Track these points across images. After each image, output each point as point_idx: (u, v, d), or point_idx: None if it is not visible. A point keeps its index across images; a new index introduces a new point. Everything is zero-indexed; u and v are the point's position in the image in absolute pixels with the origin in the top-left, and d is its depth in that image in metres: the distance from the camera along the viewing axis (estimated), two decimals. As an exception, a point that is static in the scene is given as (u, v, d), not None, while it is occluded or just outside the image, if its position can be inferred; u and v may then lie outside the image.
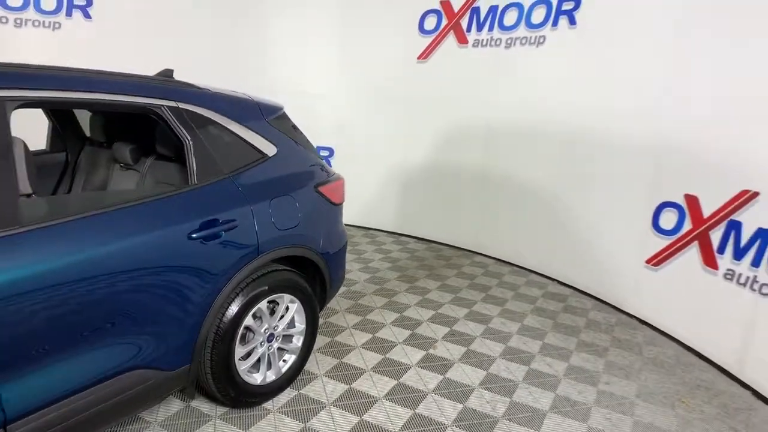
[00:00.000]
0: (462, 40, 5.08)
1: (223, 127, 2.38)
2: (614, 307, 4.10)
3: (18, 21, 5.31)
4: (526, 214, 4.81)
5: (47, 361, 1.72)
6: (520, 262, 4.96)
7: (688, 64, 3.45)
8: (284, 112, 2.81)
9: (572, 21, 4.24)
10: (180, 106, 2.20)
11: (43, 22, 5.41)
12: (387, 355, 3.17)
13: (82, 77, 1.93)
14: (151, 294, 1.98)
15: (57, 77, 1.86)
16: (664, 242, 3.69)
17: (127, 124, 2.78)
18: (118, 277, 1.85)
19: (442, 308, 3.93)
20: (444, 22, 5.17)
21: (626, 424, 2.64)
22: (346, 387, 2.81)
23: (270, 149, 2.57)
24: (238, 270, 2.29)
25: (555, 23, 4.37)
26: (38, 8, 5.36)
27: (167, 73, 2.54)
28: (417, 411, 2.64)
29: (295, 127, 2.87)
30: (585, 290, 4.37)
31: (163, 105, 2.15)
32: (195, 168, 2.21)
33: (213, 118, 2.33)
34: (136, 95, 2.06)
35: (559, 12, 4.32)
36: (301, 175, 2.72)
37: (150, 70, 2.49)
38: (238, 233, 2.28)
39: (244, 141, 2.46)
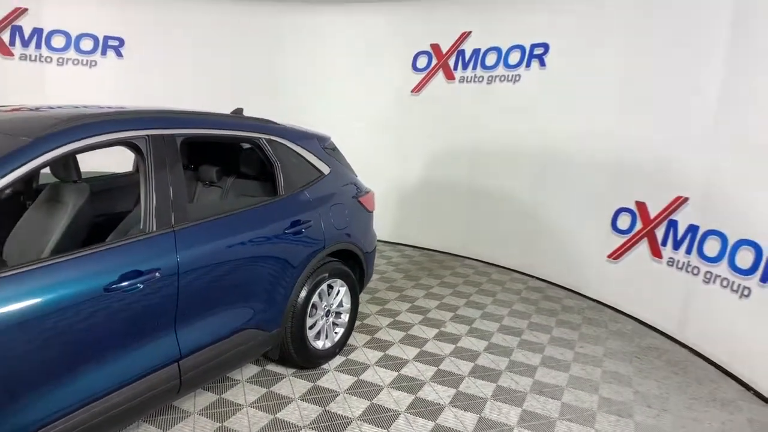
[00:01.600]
0: (450, 76, 6.03)
1: (297, 153, 3.19)
2: (583, 295, 5.01)
3: (60, 60, 6.00)
4: (506, 221, 5.71)
5: (206, 316, 2.48)
6: (503, 263, 5.84)
7: (634, 96, 4.43)
8: (331, 141, 3.63)
9: (542, 63, 5.23)
10: (272, 138, 3.02)
11: (82, 60, 6.11)
12: (408, 332, 3.98)
13: (218, 120, 2.74)
14: (262, 273, 2.76)
15: (204, 120, 2.66)
16: (621, 240, 4.63)
17: (207, 152, 3.55)
18: (245, 258, 2.64)
19: (444, 299, 4.76)
20: (434, 61, 6.11)
21: (597, 372, 3.51)
22: (381, 353, 3.60)
23: (325, 169, 3.39)
24: (311, 259, 3.08)
25: (528, 65, 5.36)
26: (78, 49, 6.07)
27: (238, 111, 3.34)
28: (440, 368, 3.44)
29: (337, 150, 3.69)
30: (559, 283, 5.28)
31: (262, 137, 2.96)
32: (283, 183, 3.01)
33: (290, 146, 3.14)
34: (247, 131, 2.88)
35: (531, 56, 5.31)
36: (346, 187, 3.53)
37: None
38: (312, 231, 3.08)
39: (309, 163, 3.27)
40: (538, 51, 5.27)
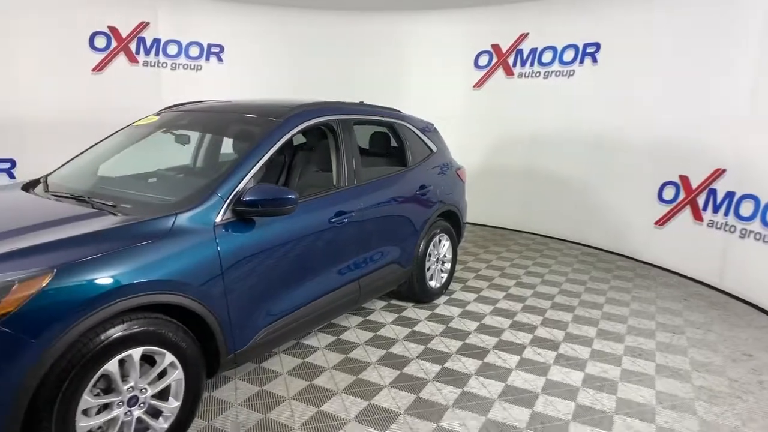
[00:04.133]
0: (509, 72, 6.90)
1: (415, 133, 4.12)
2: (633, 258, 5.85)
3: (173, 65, 7.04)
4: (560, 199, 6.55)
5: (373, 248, 3.43)
6: (558, 235, 6.70)
7: (676, 85, 5.25)
8: (434, 126, 4.55)
9: (594, 60, 6.07)
10: (401, 123, 3.97)
11: (190, 65, 7.15)
12: (492, 282, 4.88)
13: (371, 109, 3.71)
14: (403, 222, 3.71)
15: (365, 110, 3.63)
16: (666, 208, 5.46)
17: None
18: (394, 209, 3.59)
19: (514, 261, 5.66)
20: (494, 59, 6.98)
21: (652, 308, 4.37)
22: (476, 295, 4.52)
23: (434, 147, 4.31)
24: (430, 216, 4.01)
25: (581, 61, 6.20)
26: (187, 55, 7.10)
27: (361, 101, 4.28)
28: (526, 303, 4.35)
29: (438, 133, 4.60)
30: (611, 250, 6.11)
31: (395, 122, 3.91)
32: (410, 157, 3.95)
33: (412, 129, 4.09)
34: (387, 117, 3.83)
35: (584, 53, 6.15)
36: (448, 163, 4.46)
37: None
38: (431, 194, 4.01)
39: (424, 142, 4.20)
40: (590, 49, 6.10)
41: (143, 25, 6.77)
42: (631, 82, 5.70)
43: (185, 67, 7.14)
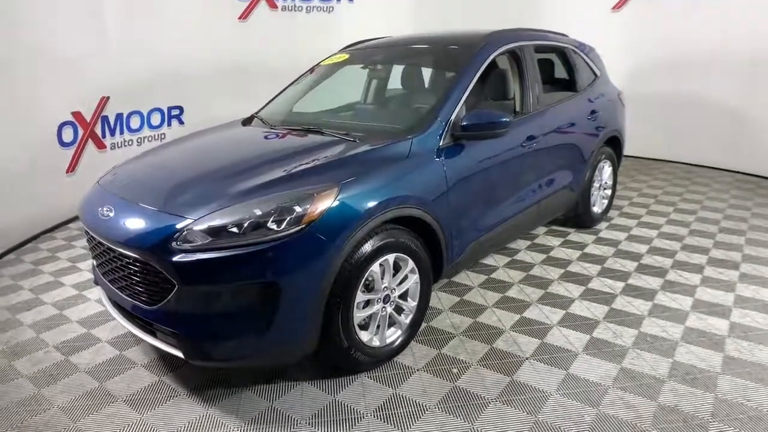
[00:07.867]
0: None
1: (583, 58, 4.10)
2: (799, 183, 5.50)
3: (308, 8, 7.31)
4: (710, 125, 6.20)
5: (551, 173, 3.56)
6: (706, 162, 6.39)
7: None
8: (595, 51, 4.46)
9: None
10: (573, 48, 3.96)
11: (323, 7, 7.38)
12: (649, 208, 4.86)
13: (548, 34, 3.75)
14: (574, 148, 3.79)
15: (543, 35, 3.70)
16: None
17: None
18: (570, 134, 3.68)
19: (665, 188, 5.53)
20: (638, -24, 6.53)
21: (835, 232, 4.17)
22: (636, 221, 4.53)
23: (598, 72, 4.26)
24: (598, 141, 4.04)
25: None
26: (320, -3, 7.33)
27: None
28: (691, 228, 4.31)
29: (599, 58, 4.50)
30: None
31: (567, 47, 3.91)
32: (579, 82, 3.96)
33: (580, 53, 4.06)
34: (561, 42, 3.86)
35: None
36: (611, 86, 4.39)
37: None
38: (599, 119, 4.02)
39: (590, 67, 4.17)
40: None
41: (278, -28, 7.04)
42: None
43: (318, 9, 7.39)
